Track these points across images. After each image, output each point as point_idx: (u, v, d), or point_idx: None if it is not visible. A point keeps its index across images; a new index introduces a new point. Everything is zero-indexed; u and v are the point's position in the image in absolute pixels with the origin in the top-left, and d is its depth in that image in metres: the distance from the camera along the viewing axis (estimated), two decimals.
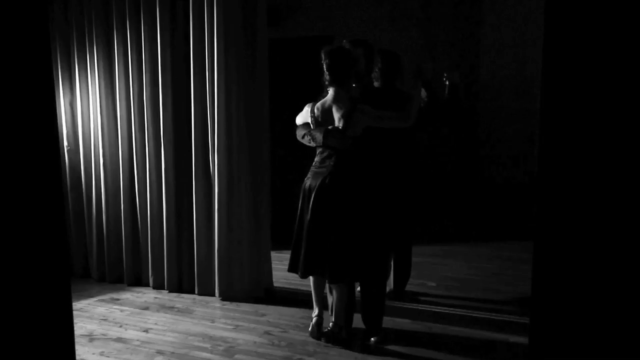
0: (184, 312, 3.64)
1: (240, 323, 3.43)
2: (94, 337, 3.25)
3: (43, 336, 1.22)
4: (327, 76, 2.94)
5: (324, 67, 2.93)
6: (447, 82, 3.44)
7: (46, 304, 1.22)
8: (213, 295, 3.90)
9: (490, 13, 5.96)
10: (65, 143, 4.33)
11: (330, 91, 2.97)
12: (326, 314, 3.19)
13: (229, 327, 3.37)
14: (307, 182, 3.01)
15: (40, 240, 1.19)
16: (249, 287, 3.84)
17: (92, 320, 3.51)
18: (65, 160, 4.34)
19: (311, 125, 3.02)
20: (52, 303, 1.24)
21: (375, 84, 3.42)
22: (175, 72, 3.87)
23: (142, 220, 4.10)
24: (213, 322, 3.46)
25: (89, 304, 3.81)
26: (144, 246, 4.13)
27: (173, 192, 3.95)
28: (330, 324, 3.07)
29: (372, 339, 3.07)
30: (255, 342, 3.13)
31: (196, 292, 3.95)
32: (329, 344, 3.03)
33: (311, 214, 2.94)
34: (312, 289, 3.18)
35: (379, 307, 3.11)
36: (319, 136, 2.93)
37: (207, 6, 3.65)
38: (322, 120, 2.96)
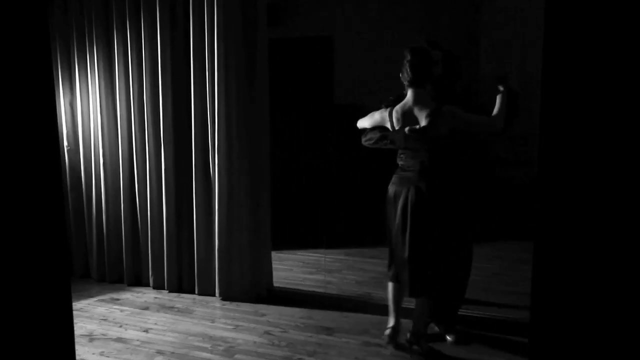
0: (184, 312, 3.64)
1: (240, 323, 3.43)
2: (94, 337, 3.25)
3: (43, 336, 1.22)
4: (408, 76, 2.78)
5: (407, 65, 2.78)
6: (501, 88, 3.11)
7: (46, 304, 1.22)
8: (213, 295, 3.90)
9: (489, 13, 5.96)
10: (65, 143, 4.33)
11: (410, 92, 2.82)
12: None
13: (229, 327, 3.37)
14: (392, 188, 2.89)
15: (40, 240, 1.19)
16: (249, 287, 3.84)
17: (92, 320, 3.51)
18: (65, 160, 4.34)
19: (391, 129, 2.87)
20: (52, 303, 1.24)
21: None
22: (175, 72, 3.87)
23: (142, 220, 4.10)
24: (213, 322, 3.46)
25: (89, 304, 3.81)
26: (144, 246, 4.13)
27: (173, 192, 3.95)
28: (408, 334, 2.97)
29: (449, 337, 3.12)
30: (255, 342, 3.13)
31: (196, 292, 3.95)
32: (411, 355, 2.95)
33: (406, 222, 2.82)
34: (390, 297, 3.04)
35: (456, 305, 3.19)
36: (399, 138, 2.82)
37: (207, 6, 3.65)
38: (405, 123, 2.80)
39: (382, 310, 3.26)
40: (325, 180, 5.46)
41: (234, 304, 3.77)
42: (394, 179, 2.92)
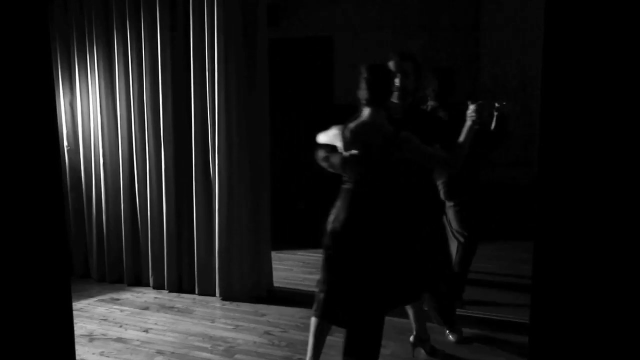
0: (184, 312, 3.64)
1: (240, 323, 3.43)
2: (94, 337, 3.25)
3: (43, 336, 1.22)
4: (365, 94, 2.50)
5: (363, 83, 2.51)
6: (495, 113, 3.20)
7: (46, 304, 1.22)
8: (213, 295, 3.90)
9: (490, 14, 5.96)
10: (65, 143, 4.33)
11: (367, 112, 2.52)
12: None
13: (229, 327, 3.37)
14: (332, 215, 2.59)
15: (41, 240, 1.19)
16: (249, 287, 3.84)
17: (92, 320, 3.51)
18: (65, 160, 4.34)
19: (339, 150, 2.60)
20: (52, 303, 1.24)
21: (430, 103, 3.51)
22: (175, 72, 3.87)
23: (142, 220, 4.10)
24: (213, 322, 3.46)
25: (89, 304, 3.81)
26: (144, 246, 4.13)
27: (173, 192, 3.95)
28: (412, 337, 2.99)
29: (451, 336, 3.14)
30: (255, 342, 3.13)
31: (196, 292, 3.96)
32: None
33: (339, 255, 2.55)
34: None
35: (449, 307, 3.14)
36: (337, 162, 2.53)
37: (207, 6, 3.65)
38: (354, 144, 2.50)
39: None
40: (325, 180, 5.45)
41: (234, 304, 3.77)
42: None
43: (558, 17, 1.15)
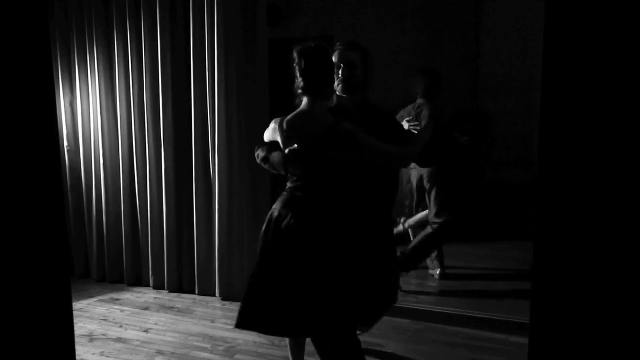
0: (184, 312, 3.64)
1: None
2: (94, 337, 3.25)
3: (43, 336, 1.22)
4: (300, 82, 2.24)
5: (297, 70, 2.25)
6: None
7: (46, 304, 1.22)
8: (213, 295, 3.90)
9: (490, 14, 5.96)
10: (65, 143, 4.33)
11: (305, 101, 2.26)
12: None
13: (229, 327, 3.37)
14: (275, 211, 2.31)
15: (41, 240, 1.19)
16: None
17: (92, 320, 3.51)
18: (65, 160, 4.34)
19: (280, 145, 2.32)
20: (52, 303, 1.24)
21: (419, 101, 3.66)
22: (175, 72, 3.87)
23: (142, 220, 4.11)
24: (213, 322, 3.46)
25: (89, 304, 3.81)
26: (144, 246, 4.13)
27: (173, 192, 3.95)
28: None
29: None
30: (255, 342, 3.13)
31: (196, 292, 3.95)
32: None
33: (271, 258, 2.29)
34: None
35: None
36: (277, 160, 2.29)
37: (207, 6, 3.65)
38: (293, 138, 2.24)
39: None
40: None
41: (234, 304, 3.76)
42: (279, 200, 2.39)
43: (558, 17, 1.15)
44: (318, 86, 2.23)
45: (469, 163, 4.27)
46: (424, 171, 3.92)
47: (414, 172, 4.09)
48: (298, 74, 2.24)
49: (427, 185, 3.93)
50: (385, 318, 3.18)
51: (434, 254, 4.11)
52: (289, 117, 2.28)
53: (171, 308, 3.71)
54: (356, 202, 2.33)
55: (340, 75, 2.40)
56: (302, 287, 2.19)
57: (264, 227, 2.33)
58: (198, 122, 3.80)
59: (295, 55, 2.26)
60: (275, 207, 2.31)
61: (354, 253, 2.27)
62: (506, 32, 5.89)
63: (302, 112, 2.26)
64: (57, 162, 1.25)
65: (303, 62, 2.22)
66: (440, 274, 4.13)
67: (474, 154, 4.11)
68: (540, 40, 1.21)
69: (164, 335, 3.26)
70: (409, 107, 3.89)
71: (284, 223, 2.23)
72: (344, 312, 2.23)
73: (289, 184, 2.33)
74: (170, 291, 4.02)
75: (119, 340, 3.20)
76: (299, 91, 2.26)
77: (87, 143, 4.29)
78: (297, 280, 2.20)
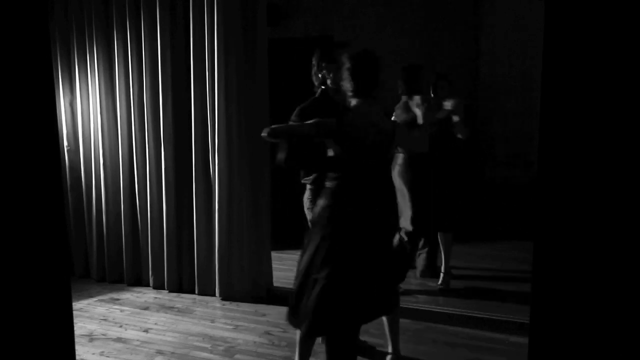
0: (184, 312, 3.64)
1: (240, 323, 3.43)
2: (94, 337, 3.25)
3: (43, 336, 1.22)
4: (351, 85, 2.38)
5: (348, 73, 2.38)
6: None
7: (46, 304, 1.22)
8: (213, 295, 3.90)
9: (489, 13, 5.95)
10: (65, 143, 4.33)
11: (355, 102, 2.42)
12: None
13: (229, 327, 3.37)
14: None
15: (40, 240, 1.19)
16: (249, 287, 3.84)
17: (92, 320, 3.51)
18: (65, 160, 4.34)
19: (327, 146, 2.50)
20: (52, 303, 1.24)
21: (403, 98, 3.78)
22: (175, 72, 3.87)
23: (142, 220, 4.11)
24: (213, 322, 3.46)
25: (89, 304, 3.81)
26: (144, 246, 4.13)
27: (173, 192, 3.95)
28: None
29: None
30: (255, 342, 3.13)
31: (196, 292, 3.95)
32: None
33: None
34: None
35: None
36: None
37: (207, 6, 3.65)
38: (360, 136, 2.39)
39: None
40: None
41: (234, 304, 3.77)
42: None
43: (558, 17, 1.15)
44: (368, 89, 2.39)
45: (467, 161, 4.26)
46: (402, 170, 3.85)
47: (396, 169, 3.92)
48: (350, 77, 2.38)
49: (407, 184, 3.83)
50: (385, 318, 3.18)
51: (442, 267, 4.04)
52: (345, 117, 2.36)
53: (171, 308, 3.71)
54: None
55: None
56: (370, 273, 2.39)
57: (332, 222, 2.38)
58: (198, 122, 3.80)
59: (345, 59, 2.40)
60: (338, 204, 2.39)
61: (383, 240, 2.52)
62: (506, 32, 5.88)
63: (361, 112, 2.38)
64: (57, 162, 1.25)
65: (352, 66, 2.37)
66: (444, 282, 4.04)
67: (472, 152, 4.12)
68: (540, 40, 1.21)
69: (164, 335, 3.26)
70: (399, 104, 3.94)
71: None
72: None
73: (336, 182, 2.40)
74: (170, 291, 4.02)
75: (119, 340, 3.20)
76: (349, 93, 2.41)
77: (87, 143, 4.29)
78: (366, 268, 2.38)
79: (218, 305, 3.76)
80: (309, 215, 2.83)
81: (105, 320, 3.51)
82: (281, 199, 5.26)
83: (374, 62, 2.39)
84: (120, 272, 4.27)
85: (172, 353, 3.01)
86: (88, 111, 4.24)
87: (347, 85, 2.40)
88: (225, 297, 3.83)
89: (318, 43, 2.72)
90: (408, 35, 5.99)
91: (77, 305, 3.74)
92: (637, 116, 1.11)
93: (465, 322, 3.31)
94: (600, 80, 1.13)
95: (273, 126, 2.42)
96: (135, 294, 4.01)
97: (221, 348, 3.06)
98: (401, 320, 3.35)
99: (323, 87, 2.75)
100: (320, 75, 2.78)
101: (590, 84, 1.14)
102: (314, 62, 2.85)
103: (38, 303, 1.20)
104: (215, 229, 3.80)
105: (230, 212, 3.77)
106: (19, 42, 1.12)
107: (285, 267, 4.52)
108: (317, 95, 2.87)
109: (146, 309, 3.71)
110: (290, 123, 2.64)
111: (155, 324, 3.44)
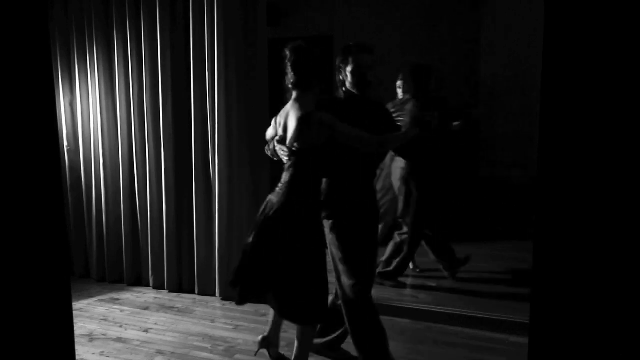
0: (184, 312, 3.64)
1: (240, 323, 3.43)
2: (94, 337, 3.25)
3: (43, 336, 1.22)
4: (291, 77, 2.47)
5: (288, 66, 2.46)
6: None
7: (46, 304, 1.22)
8: (213, 295, 3.90)
9: (489, 14, 5.96)
10: (65, 143, 4.33)
11: (293, 95, 2.51)
12: None
13: (229, 327, 3.37)
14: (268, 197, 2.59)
15: (40, 240, 1.19)
16: None
17: (92, 320, 3.51)
18: (65, 160, 4.34)
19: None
20: (52, 303, 1.24)
21: (406, 96, 3.87)
22: (175, 72, 3.87)
23: (142, 220, 4.11)
24: (213, 322, 3.46)
25: (89, 304, 3.81)
26: (144, 246, 4.13)
27: (173, 192, 3.95)
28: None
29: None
30: (255, 342, 3.12)
31: (196, 292, 3.95)
32: None
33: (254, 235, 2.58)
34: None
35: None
36: (272, 149, 2.62)
37: (207, 6, 3.65)
38: (284, 129, 2.52)
39: (383, 310, 3.25)
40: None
41: (234, 304, 3.76)
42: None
43: (558, 17, 1.15)
44: (305, 81, 2.47)
45: (461, 160, 4.29)
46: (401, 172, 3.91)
47: (398, 172, 3.96)
48: (290, 70, 2.47)
49: (401, 186, 3.90)
50: (385, 318, 3.18)
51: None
52: (281, 112, 2.55)
53: (171, 308, 3.71)
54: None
55: (355, 77, 2.55)
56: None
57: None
58: (198, 122, 3.80)
59: (287, 52, 2.48)
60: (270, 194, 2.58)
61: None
62: (506, 32, 5.88)
63: (288, 106, 2.52)
64: (57, 162, 1.25)
65: (294, 58, 2.45)
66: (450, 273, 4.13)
67: (467, 150, 4.16)
68: (540, 40, 1.21)
69: (164, 335, 3.26)
70: (397, 101, 3.95)
71: (264, 207, 2.57)
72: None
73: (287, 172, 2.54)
74: (170, 291, 4.02)
75: (119, 340, 3.20)
76: (290, 86, 2.50)
77: (87, 143, 4.29)
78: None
79: (218, 305, 3.76)
80: None
81: (105, 320, 3.51)
82: None
83: (313, 56, 2.48)
84: (120, 272, 4.27)
85: (172, 353, 3.01)
86: (88, 111, 4.24)
87: (287, 77, 2.48)
88: (225, 297, 3.83)
89: (344, 46, 2.69)
90: (408, 35, 5.99)
91: (77, 305, 3.74)
92: (637, 116, 1.11)
93: (465, 322, 3.31)
94: (600, 80, 1.13)
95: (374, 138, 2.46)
96: (135, 294, 4.01)
97: (221, 348, 3.06)
98: (401, 320, 3.36)
99: (343, 89, 2.69)
100: (341, 77, 2.70)
101: (590, 83, 1.14)
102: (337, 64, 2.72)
103: (38, 303, 1.20)
104: (215, 229, 3.80)
105: (230, 212, 3.77)
106: (19, 42, 1.12)
107: None
108: (341, 96, 2.77)
109: (146, 309, 3.71)
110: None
111: (155, 324, 3.44)
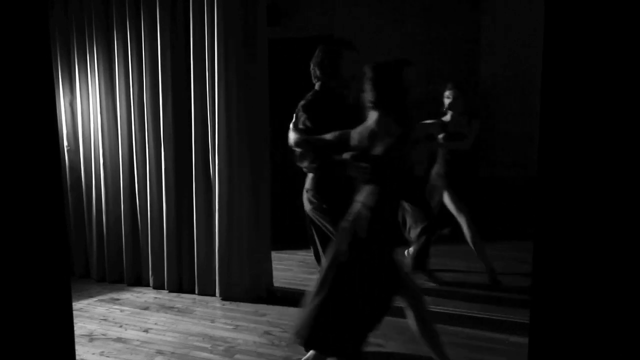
0: (184, 312, 3.64)
1: (240, 323, 3.43)
2: (94, 337, 3.25)
3: (43, 336, 1.22)
4: (371, 96, 2.35)
5: (368, 85, 2.36)
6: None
7: (46, 304, 1.22)
8: (213, 295, 3.90)
9: (489, 13, 5.95)
10: (65, 143, 4.33)
11: (375, 114, 2.38)
12: None
13: (229, 327, 3.37)
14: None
15: (41, 240, 1.19)
16: (249, 287, 3.84)
17: (92, 320, 3.51)
18: (65, 160, 4.34)
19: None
20: (52, 303, 1.24)
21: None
22: (175, 72, 3.87)
23: (142, 220, 4.11)
24: (213, 322, 3.46)
25: (89, 304, 3.81)
26: (144, 246, 4.13)
27: (173, 192, 3.95)
28: None
29: None
30: (255, 342, 3.13)
31: (196, 292, 3.96)
32: None
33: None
34: None
35: None
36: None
37: (207, 6, 3.65)
38: (367, 147, 2.41)
39: None
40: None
41: (234, 304, 3.77)
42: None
43: (558, 17, 1.15)
44: (386, 99, 2.34)
45: (463, 161, 4.32)
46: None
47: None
48: (370, 89, 2.35)
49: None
50: (385, 318, 3.18)
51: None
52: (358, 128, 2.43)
53: (171, 308, 3.71)
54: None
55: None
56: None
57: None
58: (198, 122, 3.80)
59: (367, 70, 2.37)
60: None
61: None
62: (506, 32, 5.88)
63: (372, 122, 2.38)
64: (57, 162, 1.25)
65: (375, 78, 2.33)
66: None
67: (467, 151, 4.22)
68: (540, 40, 1.21)
69: (164, 335, 3.26)
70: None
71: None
72: None
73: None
74: (170, 291, 4.02)
75: (119, 340, 3.20)
76: (369, 105, 2.38)
77: (87, 143, 4.29)
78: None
79: (218, 305, 3.76)
80: (307, 206, 2.82)
81: (105, 320, 3.51)
82: (281, 199, 5.27)
83: (397, 73, 2.33)
84: (120, 272, 4.27)
85: (172, 353, 3.01)
86: (88, 111, 4.24)
87: (367, 95, 2.36)
88: (225, 297, 3.83)
89: (320, 42, 2.77)
90: (408, 36, 5.99)
91: (77, 305, 3.74)
92: (637, 116, 1.11)
93: (465, 322, 3.31)
94: (600, 80, 1.13)
95: (302, 138, 2.56)
96: (135, 294, 4.01)
97: (221, 348, 3.06)
98: (401, 320, 3.35)
99: (318, 81, 2.80)
100: (317, 71, 2.79)
101: (590, 83, 1.14)
102: (319, 58, 2.82)
103: (38, 303, 1.20)
104: (215, 229, 3.80)
105: (230, 212, 3.77)
106: (19, 42, 1.12)
107: (285, 267, 4.52)
108: (317, 89, 2.86)
109: (146, 309, 3.71)
110: (318, 137, 2.57)
111: (155, 324, 3.44)
